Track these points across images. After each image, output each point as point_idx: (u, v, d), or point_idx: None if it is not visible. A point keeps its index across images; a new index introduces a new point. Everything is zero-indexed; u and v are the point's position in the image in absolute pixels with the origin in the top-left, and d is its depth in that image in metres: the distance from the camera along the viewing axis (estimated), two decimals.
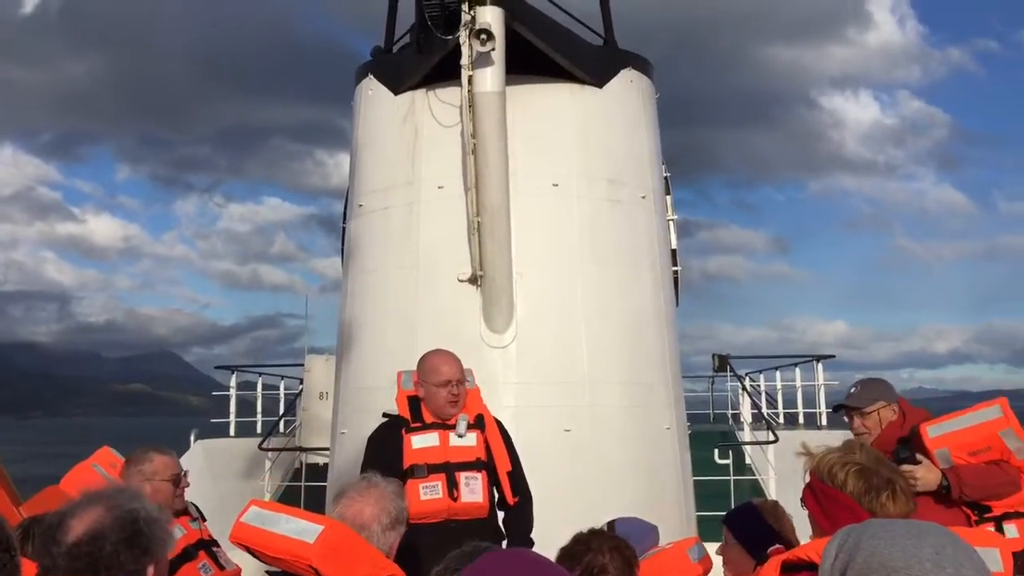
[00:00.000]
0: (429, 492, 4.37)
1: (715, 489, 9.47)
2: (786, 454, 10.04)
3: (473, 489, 4.42)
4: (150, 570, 2.09)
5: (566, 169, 7.24)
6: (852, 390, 4.55)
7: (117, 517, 2.09)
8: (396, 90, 7.57)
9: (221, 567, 4.21)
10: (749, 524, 3.58)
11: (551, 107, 7.36)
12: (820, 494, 2.58)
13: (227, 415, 13.27)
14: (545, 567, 1.81)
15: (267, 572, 3.02)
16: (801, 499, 2.67)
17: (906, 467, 4.18)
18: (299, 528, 2.62)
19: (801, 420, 13.03)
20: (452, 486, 4.39)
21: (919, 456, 4.13)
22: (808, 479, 2.67)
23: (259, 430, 13.26)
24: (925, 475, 4.06)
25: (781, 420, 13.25)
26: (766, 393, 14.33)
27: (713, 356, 14.75)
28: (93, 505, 2.12)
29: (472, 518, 4.35)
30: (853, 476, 2.53)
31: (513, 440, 4.81)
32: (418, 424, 4.57)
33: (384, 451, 4.51)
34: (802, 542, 2.93)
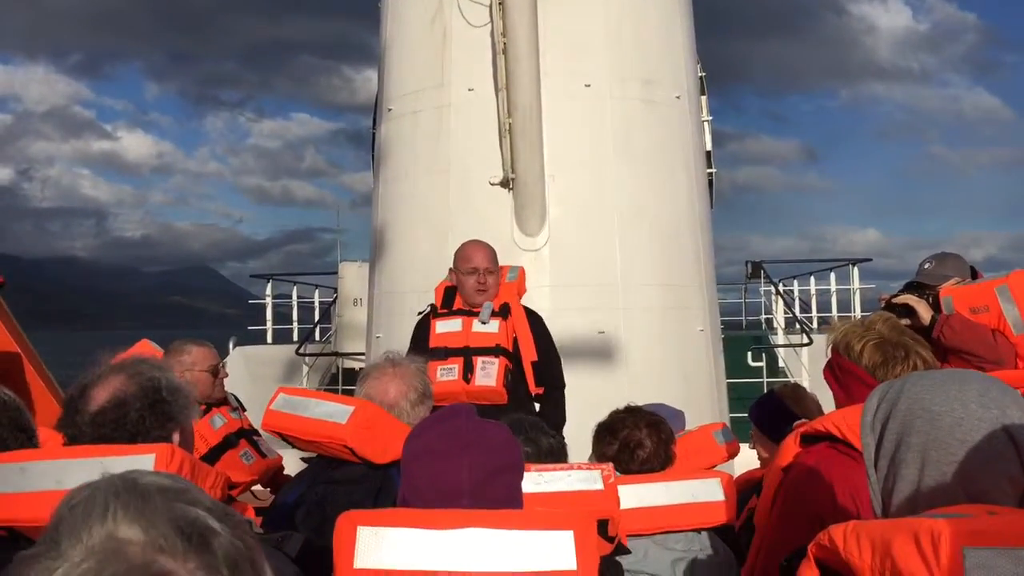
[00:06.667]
0: (446, 374, 4.50)
1: (749, 391, 9.50)
2: (820, 356, 10.01)
3: (488, 373, 4.51)
4: (176, 436, 2.12)
5: (598, 69, 7.05)
6: (926, 266, 4.42)
7: (139, 384, 2.10)
8: None
9: (263, 455, 4.33)
10: (768, 412, 3.62)
11: (582, 4, 7.13)
12: (836, 367, 2.54)
13: (263, 324, 13.50)
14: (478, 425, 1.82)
15: (303, 459, 3.07)
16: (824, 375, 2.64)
17: (908, 296, 4.22)
18: (330, 410, 2.62)
19: None
20: (468, 369, 4.52)
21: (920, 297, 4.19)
22: (830, 355, 2.62)
23: (295, 337, 13.49)
24: (921, 310, 4.10)
25: (815, 325, 13.17)
26: (800, 299, 14.23)
27: (746, 263, 14.65)
28: (114, 374, 2.13)
29: (490, 403, 4.39)
30: (870, 348, 2.46)
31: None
32: (445, 310, 4.72)
33: (417, 339, 4.71)
34: None
